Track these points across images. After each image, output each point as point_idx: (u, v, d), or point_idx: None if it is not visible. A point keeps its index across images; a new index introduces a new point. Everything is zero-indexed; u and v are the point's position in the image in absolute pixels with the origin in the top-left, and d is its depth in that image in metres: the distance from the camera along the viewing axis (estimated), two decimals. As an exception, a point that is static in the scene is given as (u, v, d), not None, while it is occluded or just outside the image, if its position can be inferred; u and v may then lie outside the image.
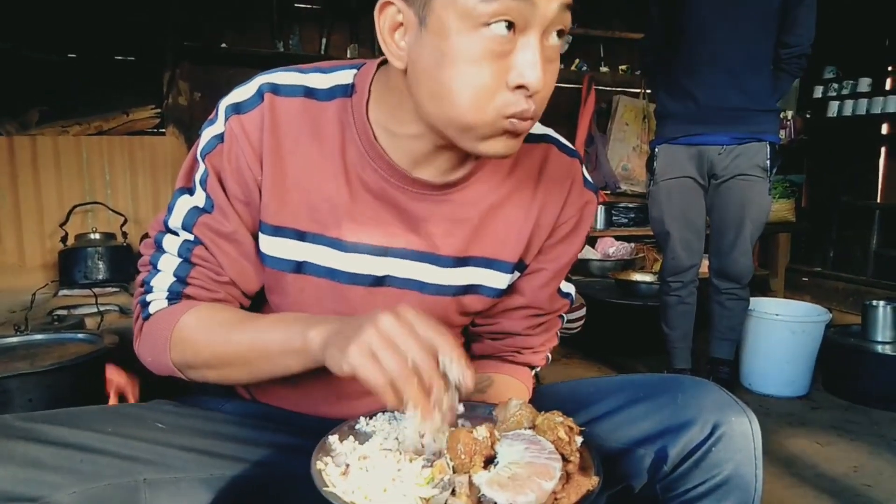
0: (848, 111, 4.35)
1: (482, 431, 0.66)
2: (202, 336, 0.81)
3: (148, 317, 0.85)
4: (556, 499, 0.62)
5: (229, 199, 0.83)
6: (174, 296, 0.85)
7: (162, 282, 0.86)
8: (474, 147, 0.76)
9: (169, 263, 0.86)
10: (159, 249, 0.87)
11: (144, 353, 0.87)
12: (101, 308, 2.14)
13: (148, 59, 3.35)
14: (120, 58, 3.35)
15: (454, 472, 0.64)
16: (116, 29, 3.25)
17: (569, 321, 2.48)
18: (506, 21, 0.68)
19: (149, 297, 0.86)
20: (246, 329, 0.80)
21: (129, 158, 3.11)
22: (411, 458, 0.67)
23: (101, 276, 2.57)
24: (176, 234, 0.86)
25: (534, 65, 0.70)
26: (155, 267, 0.86)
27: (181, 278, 0.85)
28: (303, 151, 0.83)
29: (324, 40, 3.74)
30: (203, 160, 0.83)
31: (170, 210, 0.86)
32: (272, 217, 0.84)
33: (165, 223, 0.87)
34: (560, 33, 0.73)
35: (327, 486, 0.63)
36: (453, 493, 0.61)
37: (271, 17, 3.62)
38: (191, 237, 0.85)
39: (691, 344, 2.64)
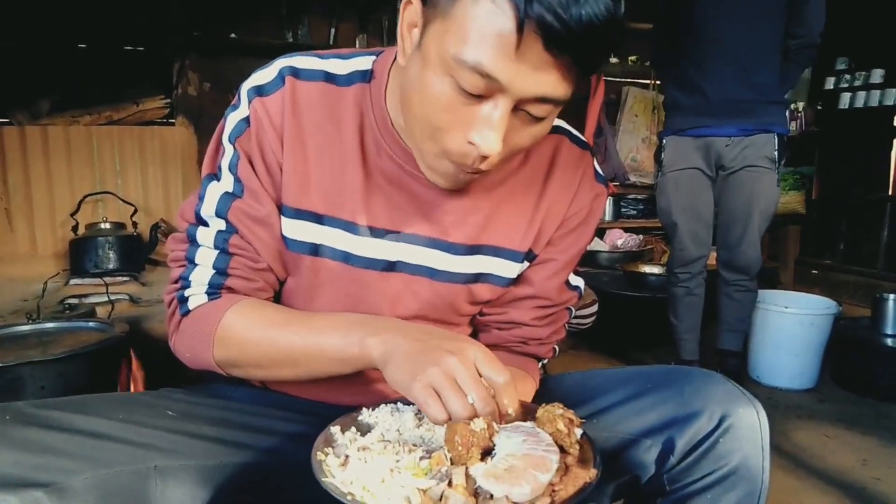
0: (860, 103, 4.32)
1: (480, 423, 0.65)
2: (250, 335, 0.81)
3: (187, 312, 0.85)
4: (553, 490, 0.61)
5: (262, 183, 0.83)
6: (214, 289, 0.85)
7: (201, 276, 0.85)
8: (421, 167, 0.79)
9: (206, 256, 0.85)
10: (193, 243, 0.86)
11: (183, 350, 0.86)
12: (112, 297, 2.16)
13: (157, 50, 3.36)
14: (129, 48, 3.35)
15: (451, 463, 0.64)
16: (125, 19, 3.26)
17: (581, 317, 2.47)
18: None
19: (187, 293, 0.85)
20: (298, 330, 0.80)
21: (139, 148, 3.13)
22: (410, 449, 0.68)
23: (111, 266, 2.58)
24: (208, 224, 0.86)
25: (491, 129, 0.69)
26: (192, 262, 0.86)
27: (221, 270, 0.85)
28: (321, 135, 0.84)
29: (332, 30, 3.73)
30: (233, 144, 0.84)
31: (201, 199, 0.86)
32: (293, 200, 0.84)
33: (197, 214, 0.86)
34: (548, 99, 0.70)
35: (327, 477, 0.63)
36: (450, 484, 0.61)
37: (280, 7, 3.61)
38: (224, 226, 0.85)
39: (699, 335, 2.63)
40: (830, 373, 2.81)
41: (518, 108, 0.70)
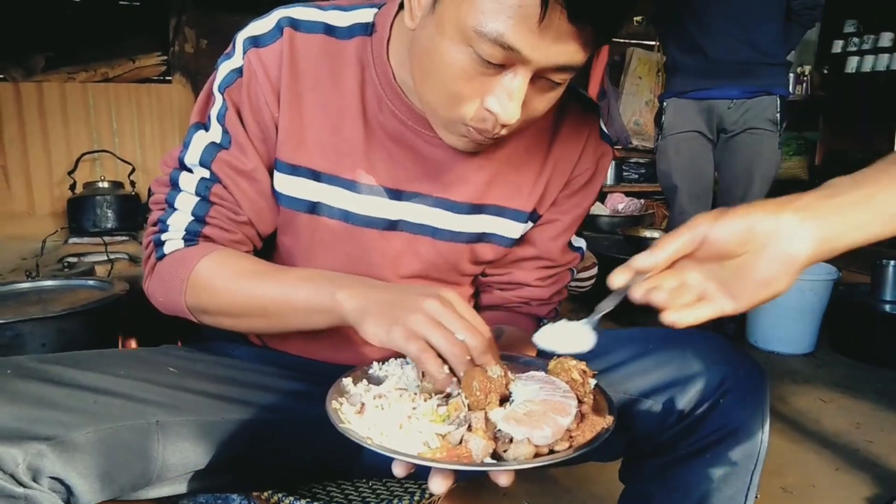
0: (868, 67, 4.25)
1: (497, 370, 0.66)
2: (222, 284, 0.80)
3: (162, 256, 0.84)
4: (570, 436, 0.62)
5: (249, 136, 0.82)
6: (191, 236, 0.84)
7: (179, 221, 0.84)
8: (437, 129, 0.78)
9: (186, 202, 0.84)
10: (175, 188, 0.85)
11: (156, 293, 0.86)
12: (111, 256, 2.15)
13: (153, 5, 3.29)
14: (125, 2, 3.28)
15: (469, 409, 0.64)
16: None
17: (580, 280, 2.47)
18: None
19: (164, 237, 0.85)
20: (271, 282, 0.79)
21: (135, 106, 3.08)
22: (426, 397, 0.68)
23: (110, 225, 2.58)
24: (192, 171, 0.85)
25: (510, 98, 0.69)
26: (171, 206, 0.85)
27: (199, 217, 0.84)
28: (321, 90, 0.82)
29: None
30: (222, 94, 0.82)
31: (185, 146, 0.85)
32: (288, 156, 0.83)
33: (181, 160, 0.85)
34: (567, 68, 0.69)
35: (343, 423, 0.63)
36: (469, 428, 0.61)
37: (279, -39, 3.54)
38: (208, 174, 0.83)
39: (697, 301, 2.63)
40: (828, 338, 2.82)
41: (537, 76, 0.69)
